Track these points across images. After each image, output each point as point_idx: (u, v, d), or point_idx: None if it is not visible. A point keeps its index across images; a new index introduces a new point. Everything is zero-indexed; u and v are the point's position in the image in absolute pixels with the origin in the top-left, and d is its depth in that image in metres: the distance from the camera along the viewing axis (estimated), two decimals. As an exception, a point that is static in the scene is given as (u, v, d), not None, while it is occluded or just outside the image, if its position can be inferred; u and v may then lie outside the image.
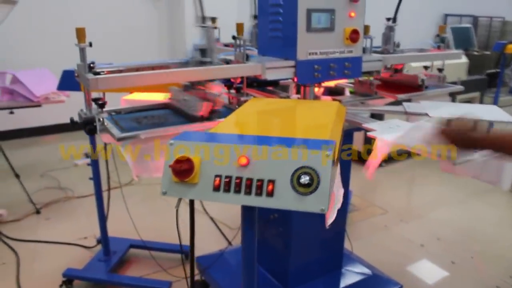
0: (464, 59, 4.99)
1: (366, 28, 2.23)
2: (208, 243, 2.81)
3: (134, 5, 5.52)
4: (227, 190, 0.97)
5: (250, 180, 0.96)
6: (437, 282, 2.60)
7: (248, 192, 0.95)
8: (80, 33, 1.57)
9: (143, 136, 1.55)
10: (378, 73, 2.25)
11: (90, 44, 1.62)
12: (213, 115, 1.71)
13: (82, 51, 1.60)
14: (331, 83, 2.54)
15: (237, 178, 0.96)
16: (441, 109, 1.99)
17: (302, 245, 2.17)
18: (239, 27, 1.86)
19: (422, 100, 2.20)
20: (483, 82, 5.02)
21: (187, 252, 2.80)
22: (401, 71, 2.29)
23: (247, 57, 1.89)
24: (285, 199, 0.93)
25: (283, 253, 2.18)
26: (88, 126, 1.60)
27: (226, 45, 2.92)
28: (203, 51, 1.88)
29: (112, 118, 1.85)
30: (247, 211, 1.08)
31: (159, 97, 2.13)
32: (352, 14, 1.95)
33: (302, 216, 2.13)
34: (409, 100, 2.26)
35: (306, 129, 1.22)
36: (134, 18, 5.54)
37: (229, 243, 2.92)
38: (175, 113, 1.95)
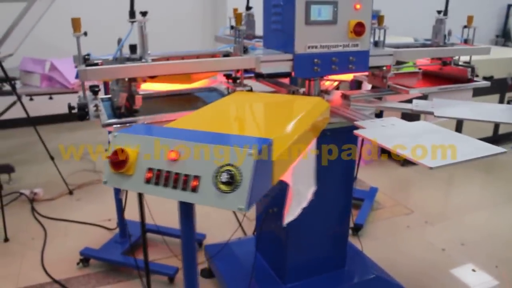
0: (518, 52, 4.62)
1: (380, 19, 2.13)
2: (223, 232, 2.83)
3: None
4: (157, 183, 0.98)
5: (177, 175, 0.96)
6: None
7: (174, 186, 0.96)
8: (76, 23, 1.62)
9: (124, 123, 1.59)
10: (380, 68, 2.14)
11: (85, 34, 1.68)
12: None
13: (77, 41, 1.65)
14: (346, 77, 2.46)
15: (166, 172, 0.97)
16: (450, 108, 1.86)
17: (301, 241, 2.13)
18: (238, 16, 1.83)
19: (436, 98, 2.07)
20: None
21: (200, 240, 2.86)
22: (450, 64, 2.20)
23: (246, 50, 1.88)
24: (207, 195, 0.93)
25: (281, 248, 2.16)
26: (79, 111, 1.66)
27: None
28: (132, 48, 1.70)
29: (110, 105, 1.91)
30: (182, 205, 1.08)
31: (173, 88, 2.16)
32: (358, 6, 1.86)
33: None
34: (424, 98, 2.14)
35: (258, 126, 1.19)
36: (179, 6, 5.65)
37: (244, 233, 2.94)
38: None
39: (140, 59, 1.69)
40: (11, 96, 3.45)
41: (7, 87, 3.49)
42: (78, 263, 2.67)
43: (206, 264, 2.60)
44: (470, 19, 2.34)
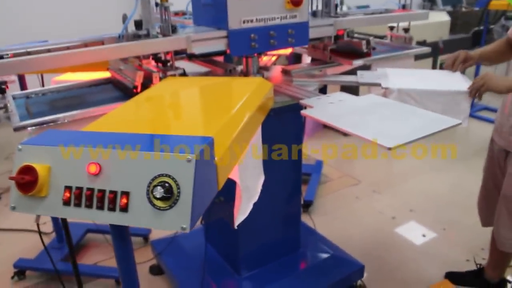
0: (446, 17, 4.69)
1: (314, -12, 2.01)
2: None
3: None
4: (77, 204, 0.80)
5: (102, 193, 0.78)
6: (404, 259, 2.46)
7: (100, 206, 0.79)
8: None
9: (41, 123, 1.37)
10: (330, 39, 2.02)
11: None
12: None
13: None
14: (285, 50, 2.33)
15: (88, 189, 0.79)
16: (394, 78, 1.79)
17: (252, 228, 2.01)
18: (162, -8, 1.63)
19: (379, 68, 2.00)
20: (468, 41, 4.73)
21: (145, 235, 2.68)
22: (342, 37, 2.05)
23: (174, 29, 1.68)
24: (141, 214, 0.77)
25: (232, 237, 2.04)
26: (-16, 116, 1.42)
27: (176, 14, 2.70)
28: (138, 23, 1.65)
29: (26, 103, 1.67)
30: (113, 229, 0.91)
31: (96, 76, 1.93)
32: (293, -26, 1.71)
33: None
34: (367, 67, 2.06)
35: (194, 120, 1.03)
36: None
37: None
38: (114, 88, 1.77)
39: (148, 34, 1.57)
40: None
41: None
42: (12, 277, 2.41)
43: (155, 260, 2.44)
44: (406, -15, 2.28)
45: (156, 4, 1.66)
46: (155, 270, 2.42)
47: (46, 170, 0.82)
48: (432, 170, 3.49)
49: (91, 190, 0.79)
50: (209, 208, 1.73)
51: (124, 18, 1.61)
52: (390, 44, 2.34)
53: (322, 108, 1.44)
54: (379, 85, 1.72)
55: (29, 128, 1.37)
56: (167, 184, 0.74)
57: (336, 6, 2.07)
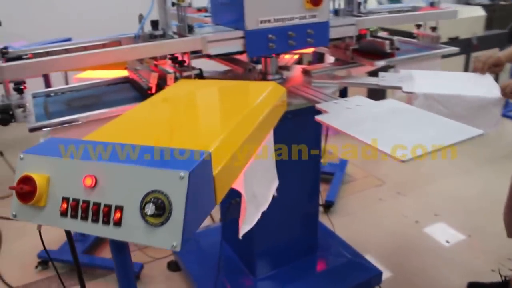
0: (481, 12, 4.49)
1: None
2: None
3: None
4: (74, 215, 0.80)
5: (97, 206, 0.78)
6: (425, 266, 2.39)
7: (95, 219, 0.78)
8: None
9: (56, 125, 1.39)
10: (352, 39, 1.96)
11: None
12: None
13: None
14: (306, 49, 2.28)
15: (84, 202, 0.79)
16: (419, 81, 1.72)
17: (268, 229, 1.99)
18: (180, -10, 1.61)
19: (404, 69, 1.92)
20: (504, 37, 4.49)
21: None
22: (365, 36, 1.98)
23: (191, 29, 1.67)
24: (134, 230, 0.76)
25: (248, 239, 2.02)
26: (1, 115, 1.44)
27: (199, 10, 2.68)
28: (154, 23, 1.65)
29: (45, 101, 1.69)
30: (112, 243, 0.90)
31: (116, 74, 1.95)
32: (313, -28, 1.66)
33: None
34: (388, 68, 1.98)
35: (197, 129, 1.01)
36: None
37: (212, 219, 2.80)
38: (131, 87, 1.78)
39: (164, 35, 1.58)
40: None
41: None
42: (36, 266, 2.49)
43: (173, 256, 2.46)
44: (435, -20, 2.18)
45: (173, 4, 1.65)
46: (173, 266, 2.44)
47: (45, 180, 0.82)
48: (460, 173, 3.36)
49: (87, 202, 0.79)
50: (226, 207, 1.72)
51: (140, 18, 1.61)
52: (416, 43, 2.26)
53: (337, 114, 1.40)
54: (400, 88, 1.66)
55: (43, 129, 1.39)
56: (159, 201, 0.73)
57: (359, 4, 2.00)
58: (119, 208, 0.76)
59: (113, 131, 1.00)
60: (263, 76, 1.91)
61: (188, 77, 1.63)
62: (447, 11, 2.12)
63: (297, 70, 2.05)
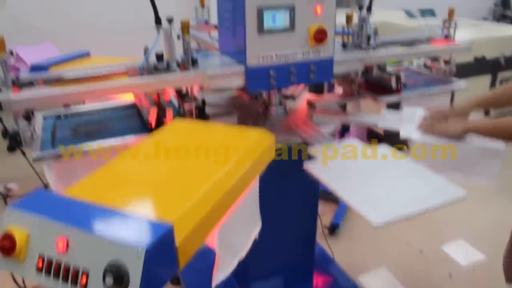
0: (510, 31, 4.35)
1: (349, 18, 1.94)
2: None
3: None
4: (48, 273, 0.87)
5: (67, 267, 0.84)
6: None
7: (65, 280, 0.84)
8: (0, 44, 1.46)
9: (57, 156, 1.46)
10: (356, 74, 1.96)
11: (12, 53, 1.53)
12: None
13: (3, 66, 1.49)
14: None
15: (56, 262, 0.85)
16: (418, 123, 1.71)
17: (263, 255, 2.02)
18: (184, 26, 1.65)
19: (410, 105, 1.91)
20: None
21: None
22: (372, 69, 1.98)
23: (195, 61, 1.71)
24: (97, 296, 0.81)
25: (243, 265, 2.06)
26: (10, 141, 1.52)
27: (216, 27, 2.72)
28: (158, 56, 1.65)
29: (54, 124, 1.78)
30: None
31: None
32: (319, 10, 1.67)
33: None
34: (395, 106, 1.97)
35: (168, 190, 1.05)
36: None
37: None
38: (137, 115, 1.85)
39: (168, 67, 1.62)
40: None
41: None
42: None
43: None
44: (451, 12, 2.14)
45: (178, 37, 1.70)
46: (176, 281, 2.51)
47: (25, 237, 0.89)
48: (471, 200, 3.28)
49: (59, 263, 0.85)
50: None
51: (146, 50, 1.66)
52: (427, 76, 2.23)
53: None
54: (398, 132, 1.66)
55: (45, 167, 1.47)
56: (119, 272, 0.78)
57: (369, 38, 1.99)
58: (85, 273, 0.82)
59: (94, 184, 1.06)
60: (266, 107, 1.94)
61: (189, 110, 1.69)
62: (460, 47, 2.08)
63: (303, 99, 2.07)
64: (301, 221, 2.08)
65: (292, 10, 1.63)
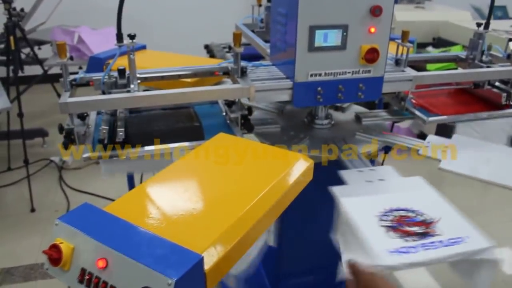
0: None
1: (405, 35, 1.89)
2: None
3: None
4: (88, 286, 0.96)
5: (105, 284, 0.93)
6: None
7: (103, 294, 0.93)
8: (61, 49, 1.55)
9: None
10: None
11: (71, 58, 1.63)
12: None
13: (64, 69, 1.60)
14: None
15: (96, 277, 0.94)
16: (467, 154, 1.66)
17: (294, 257, 2.09)
18: (236, 37, 1.68)
19: (458, 134, 1.84)
20: None
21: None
22: (482, 86, 1.98)
23: (244, 72, 1.75)
24: (128, 317, 0.89)
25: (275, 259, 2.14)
26: (64, 139, 1.63)
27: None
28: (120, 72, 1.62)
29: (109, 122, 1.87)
30: None
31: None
32: (372, 30, 1.65)
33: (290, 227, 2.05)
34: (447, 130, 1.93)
35: (202, 218, 1.10)
36: None
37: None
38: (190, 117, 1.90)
39: (127, 84, 1.63)
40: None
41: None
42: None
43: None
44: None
45: (229, 48, 1.74)
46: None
47: (70, 250, 0.98)
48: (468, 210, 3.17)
49: (98, 278, 0.94)
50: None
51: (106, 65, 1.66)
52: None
53: (354, 187, 1.42)
54: (439, 161, 1.62)
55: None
56: (152, 296, 0.86)
57: (483, 52, 2.01)
58: (121, 291, 0.90)
59: (135, 201, 1.14)
60: (311, 119, 1.95)
61: (235, 118, 1.74)
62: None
63: (351, 113, 2.06)
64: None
65: (345, 29, 1.62)
